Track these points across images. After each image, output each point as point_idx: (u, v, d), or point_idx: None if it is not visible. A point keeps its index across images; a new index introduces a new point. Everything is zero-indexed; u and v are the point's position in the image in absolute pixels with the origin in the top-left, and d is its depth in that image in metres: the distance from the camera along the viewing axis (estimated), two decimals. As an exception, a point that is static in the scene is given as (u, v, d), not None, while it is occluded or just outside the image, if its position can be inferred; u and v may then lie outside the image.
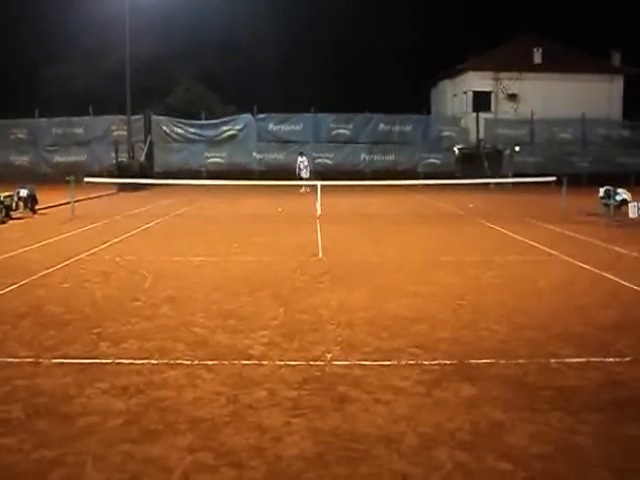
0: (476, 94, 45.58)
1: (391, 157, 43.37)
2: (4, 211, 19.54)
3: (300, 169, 35.10)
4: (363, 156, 43.26)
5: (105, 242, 15.17)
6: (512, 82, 47.03)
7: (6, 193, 20.10)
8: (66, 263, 12.43)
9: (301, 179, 33.38)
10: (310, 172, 35.36)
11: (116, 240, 15.66)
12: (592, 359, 6.86)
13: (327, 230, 17.56)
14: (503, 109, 46.89)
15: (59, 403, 5.71)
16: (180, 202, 26.66)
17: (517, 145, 41.22)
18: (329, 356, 6.96)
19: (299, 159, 35.70)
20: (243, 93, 45.66)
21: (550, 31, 48.15)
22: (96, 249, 14.21)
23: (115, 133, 41.23)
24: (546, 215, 20.82)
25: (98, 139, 42.24)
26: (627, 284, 10.63)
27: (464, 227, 18.87)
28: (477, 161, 41.01)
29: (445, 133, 44.54)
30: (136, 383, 6.19)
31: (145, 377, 6.36)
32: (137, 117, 39.39)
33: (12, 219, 19.75)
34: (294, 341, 7.48)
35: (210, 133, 42.91)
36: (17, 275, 11.10)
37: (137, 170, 34.39)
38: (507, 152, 41.15)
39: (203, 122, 43.02)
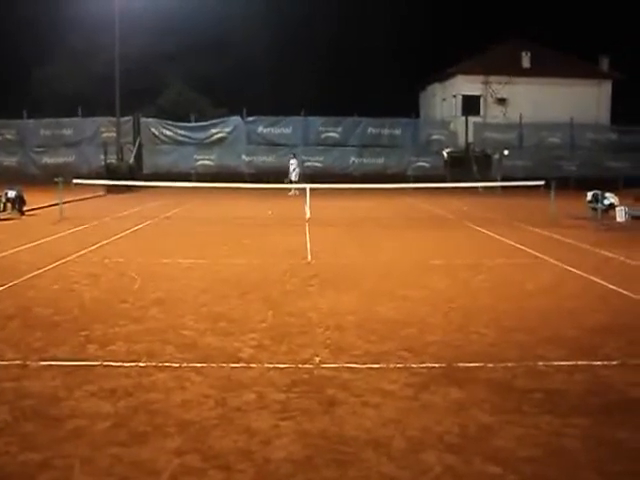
0: (465, 98, 45.69)
1: (380, 160, 43.44)
2: (-8, 212, 19.47)
3: (290, 171, 35.15)
4: (352, 159, 43.30)
5: (94, 244, 15.12)
6: (501, 86, 47.23)
7: (-6, 194, 20.04)
8: (55, 265, 12.38)
9: (291, 182, 33.38)
10: (299, 175, 35.36)
11: (105, 242, 15.61)
12: (580, 362, 6.89)
13: (316, 233, 17.56)
14: (492, 113, 47.09)
15: (47, 405, 5.68)
16: (169, 204, 26.60)
17: (506, 149, 41.38)
18: (318, 359, 6.96)
19: (290, 161, 35.74)
20: (233, 96, 45.64)
21: (539, 36, 48.45)
22: (85, 251, 14.15)
23: (104, 135, 41.06)
24: (534, 219, 20.89)
25: (87, 140, 42.11)
26: (615, 288, 10.68)
27: (453, 231, 18.92)
28: (466, 165, 41.17)
29: (434, 137, 44.68)
30: (124, 386, 6.16)
31: (133, 380, 6.34)
32: (126, 119, 39.29)
33: (0, 220, 19.67)
34: (283, 344, 7.47)
35: (199, 135, 42.87)
36: (5, 276, 11.04)
37: (126, 172, 34.28)
38: (496, 156, 41.31)
39: (192, 124, 43.00)
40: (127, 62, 37.55)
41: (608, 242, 16.12)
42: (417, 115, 49.73)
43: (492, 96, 47.63)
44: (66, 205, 21.88)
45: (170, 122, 42.94)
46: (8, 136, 42.43)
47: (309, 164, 41.71)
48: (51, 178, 24.81)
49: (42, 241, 15.63)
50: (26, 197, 21.80)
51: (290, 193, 31.38)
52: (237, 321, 8.48)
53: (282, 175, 34.61)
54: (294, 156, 36.50)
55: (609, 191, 20.83)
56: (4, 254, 13.61)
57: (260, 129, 43.16)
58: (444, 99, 50.72)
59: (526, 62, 48.44)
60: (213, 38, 49.32)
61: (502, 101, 47.47)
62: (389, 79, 52.55)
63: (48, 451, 4.84)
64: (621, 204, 20.24)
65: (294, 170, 35.24)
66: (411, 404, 5.79)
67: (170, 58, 48.42)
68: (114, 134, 38.23)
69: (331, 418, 5.46)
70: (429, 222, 21.51)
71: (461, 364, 6.82)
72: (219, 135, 43.03)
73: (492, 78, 47.38)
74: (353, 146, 43.48)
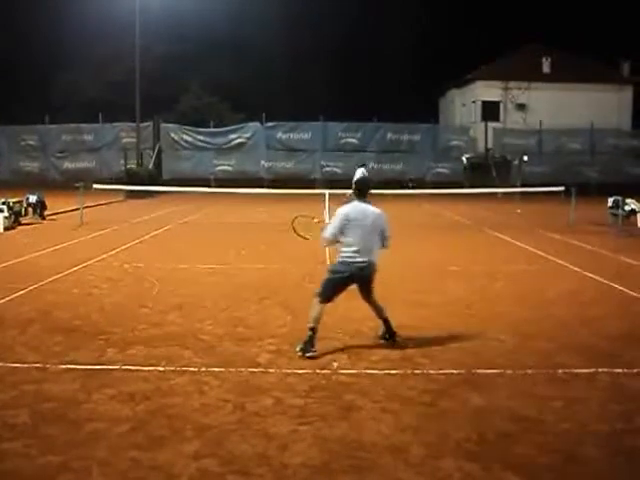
0: (485, 104, 45.58)
1: (399, 166, 43.42)
2: (13, 217, 19.59)
3: None
4: (371, 165, 43.15)
5: (113, 249, 15.20)
6: (521, 92, 46.99)
7: (15, 199, 20.20)
8: (74, 269, 12.46)
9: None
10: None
11: (124, 247, 15.69)
12: (600, 370, 6.83)
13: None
14: (512, 119, 46.86)
15: (66, 409, 5.71)
16: (188, 209, 26.69)
17: (525, 155, 41.14)
18: (336, 365, 6.95)
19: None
20: (252, 101, 45.79)
21: (559, 41, 48.26)
22: (104, 256, 14.23)
23: (124, 140, 41.41)
24: (554, 225, 20.76)
25: (107, 146, 42.48)
26: (636, 295, 10.58)
27: (472, 237, 18.84)
28: (485, 170, 40.99)
29: (454, 142, 44.57)
30: (143, 390, 6.19)
31: (152, 384, 6.36)
32: (146, 124, 39.58)
33: (21, 225, 19.82)
34: (301, 349, 7.46)
35: (219, 141, 43.03)
36: (26, 280, 11.12)
37: (146, 177, 34.50)
38: (515, 162, 41.10)
39: (212, 130, 43.19)
40: (147, 68, 37.78)
41: (629, 248, 15.99)
42: (436, 121, 49.65)
43: (512, 102, 47.42)
44: (86, 210, 22.02)
45: (189, 127, 43.18)
46: (30, 141, 42.87)
47: (328, 169, 41.73)
48: (72, 183, 25.00)
49: (62, 245, 15.74)
50: (47, 202, 21.98)
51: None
52: (256, 326, 8.50)
53: (301, 180, 34.27)
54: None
55: (630, 197, 20.68)
56: (25, 258, 13.72)
57: (279, 135, 43.24)
58: (463, 105, 50.59)
59: (546, 67, 48.20)
60: (232, 44, 49.65)
61: (522, 107, 47.24)
62: (408, 85, 52.53)
63: (67, 454, 4.87)
64: (642, 210, 20.07)
65: None
66: (430, 410, 5.77)
67: (189, 64, 48.72)
68: (134, 139, 38.46)
69: (349, 424, 5.45)
70: (447, 228, 21.44)
71: (480, 370, 6.79)
72: (238, 141, 43.18)
73: (512, 84, 47.18)
74: (372, 152, 43.44)
